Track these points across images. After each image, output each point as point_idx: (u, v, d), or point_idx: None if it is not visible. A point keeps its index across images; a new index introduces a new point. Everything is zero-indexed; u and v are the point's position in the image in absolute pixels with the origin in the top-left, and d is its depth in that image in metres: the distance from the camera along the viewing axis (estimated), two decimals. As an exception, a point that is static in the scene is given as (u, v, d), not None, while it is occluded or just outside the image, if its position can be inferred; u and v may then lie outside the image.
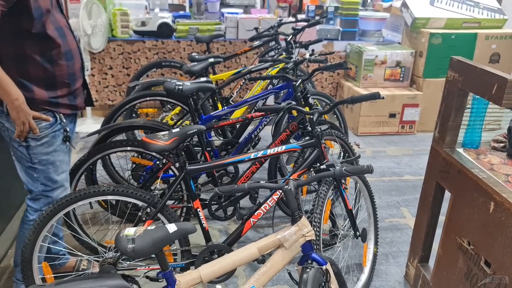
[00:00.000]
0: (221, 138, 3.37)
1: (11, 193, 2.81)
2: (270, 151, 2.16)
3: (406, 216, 3.18)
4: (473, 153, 2.11)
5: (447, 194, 2.16)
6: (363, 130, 4.59)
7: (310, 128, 2.23)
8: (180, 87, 2.50)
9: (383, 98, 2.11)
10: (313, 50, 3.26)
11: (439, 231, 2.23)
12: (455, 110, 2.07)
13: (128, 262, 1.99)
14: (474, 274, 1.89)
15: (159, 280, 1.64)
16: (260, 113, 2.71)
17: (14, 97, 1.76)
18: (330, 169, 1.70)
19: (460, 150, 2.13)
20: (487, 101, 2.11)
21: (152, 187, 2.61)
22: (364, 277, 2.43)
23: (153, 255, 1.48)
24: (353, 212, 2.28)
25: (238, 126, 3.28)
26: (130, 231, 1.49)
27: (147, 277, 1.69)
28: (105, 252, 2.04)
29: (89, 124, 4.37)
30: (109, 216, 2.77)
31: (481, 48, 4.57)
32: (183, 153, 2.05)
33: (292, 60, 3.12)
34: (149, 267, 2.03)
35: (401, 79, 4.73)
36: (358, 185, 2.44)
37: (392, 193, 3.47)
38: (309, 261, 1.71)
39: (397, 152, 4.27)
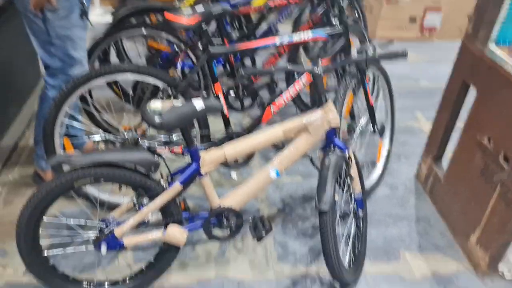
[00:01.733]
0: (237, 34, 3.24)
1: (26, 75, 2.76)
2: (295, 38, 2.07)
3: (420, 120, 3.16)
4: (506, 49, 2.02)
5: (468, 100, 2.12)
6: (381, 34, 4.42)
7: (337, 13, 2.11)
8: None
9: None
10: None
11: (455, 135, 2.22)
12: (493, 2, 1.95)
13: (148, 142, 1.98)
14: (491, 170, 1.90)
15: (184, 156, 1.65)
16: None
17: None
18: (360, 54, 1.63)
19: (493, 45, 2.05)
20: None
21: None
22: (377, 172, 2.47)
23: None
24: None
25: (255, 20, 3.13)
26: (156, 104, 1.47)
27: (171, 151, 1.69)
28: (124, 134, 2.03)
29: (97, 16, 4.20)
30: (123, 104, 2.74)
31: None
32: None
33: None
34: (168, 147, 2.04)
35: (426, -20, 4.45)
36: (379, 82, 2.39)
37: (408, 97, 3.43)
38: (332, 147, 1.72)
39: (415, 58, 4.15)
